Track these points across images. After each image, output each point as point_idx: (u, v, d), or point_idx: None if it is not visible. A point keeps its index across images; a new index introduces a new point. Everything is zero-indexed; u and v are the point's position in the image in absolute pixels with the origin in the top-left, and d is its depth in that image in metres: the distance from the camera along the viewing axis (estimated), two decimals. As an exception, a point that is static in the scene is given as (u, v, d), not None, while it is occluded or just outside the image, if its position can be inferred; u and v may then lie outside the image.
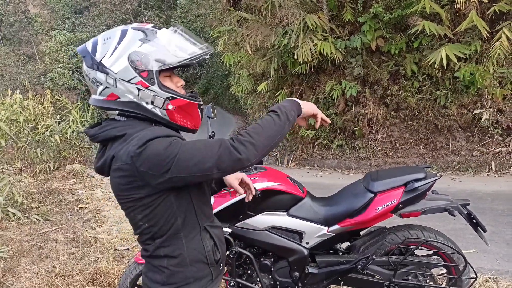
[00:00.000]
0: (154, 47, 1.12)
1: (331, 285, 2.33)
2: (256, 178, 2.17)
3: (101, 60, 1.10)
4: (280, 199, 2.19)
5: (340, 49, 7.13)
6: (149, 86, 1.11)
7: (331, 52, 6.96)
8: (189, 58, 1.16)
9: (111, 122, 1.16)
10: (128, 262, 3.54)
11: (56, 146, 7.28)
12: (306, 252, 2.19)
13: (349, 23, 7.24)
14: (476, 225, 2.15)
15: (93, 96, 1.17)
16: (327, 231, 2.17)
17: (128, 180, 1.07)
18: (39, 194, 5.68)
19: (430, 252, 2.24)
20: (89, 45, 1.15)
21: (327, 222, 2.18)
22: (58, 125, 7.53)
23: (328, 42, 7.01)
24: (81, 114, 7.89)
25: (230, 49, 9.33)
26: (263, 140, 1.11)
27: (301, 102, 1.30)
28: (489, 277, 2.76)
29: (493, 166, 6.13)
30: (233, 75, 12.01)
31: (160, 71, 1.14)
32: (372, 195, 2.14)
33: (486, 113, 6.22)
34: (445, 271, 2.33)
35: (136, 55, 1.10)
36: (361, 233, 2.38)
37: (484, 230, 2.13)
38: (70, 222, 4.84)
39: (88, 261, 3.54)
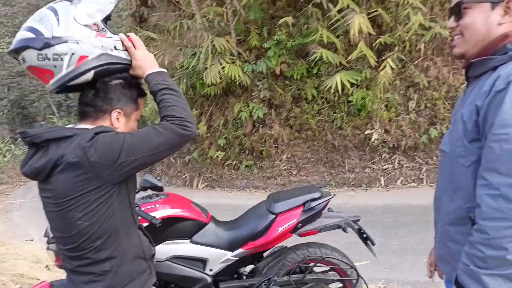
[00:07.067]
0: (86, 4, 1.19)
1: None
2: (157, 205, 2.09)
3: (53, 34, 1.12)
4: (183, 226, 2.13)
5: (247, 73, 7.37)
6: (105, 35, 1.20)
7: (239, 75, 7.16)
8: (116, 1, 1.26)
9: (58, 126, 1.24)
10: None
11: None
12: (209, 279, 2.15)
13: (255, 48, 7.54)
14: (366, 239, 2.35)
15: (57, 76, 1.16)
16: (231, 256, 2.16)
17: (78, 173, 1.10)
18: None
19: (328, 268, 2.37)
20: (27, 34, 1.13)
21: (231, 247, 2.18)
22: None
23: (236, 65, 7.19)
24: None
25: (136, 67, 8.98)
26: (189, 112, 1.31)
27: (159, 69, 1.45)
28: (379, 287, 3.01)
29: (382, 182, 6.82)
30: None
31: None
32: (274, 216, 2.20)
33: (376, 133, 6.93)
34: (341, 285, 2.47)
35: (80, 14, 1.16)
36: (264, 254, 2.42)
37: (373, 243, 2.33)
38: None
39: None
